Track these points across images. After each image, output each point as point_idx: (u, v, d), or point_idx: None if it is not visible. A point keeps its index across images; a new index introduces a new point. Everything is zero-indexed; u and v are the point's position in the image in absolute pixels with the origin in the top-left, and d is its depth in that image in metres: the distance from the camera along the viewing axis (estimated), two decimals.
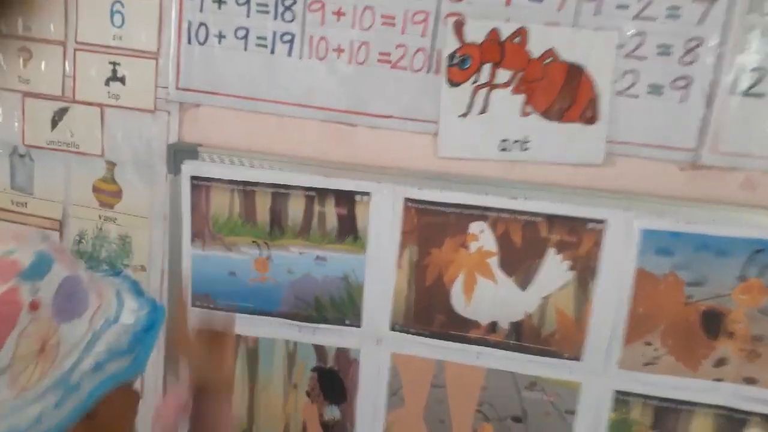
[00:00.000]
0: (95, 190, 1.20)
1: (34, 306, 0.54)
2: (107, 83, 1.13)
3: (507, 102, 1.02)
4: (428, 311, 1.10)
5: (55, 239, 0.63)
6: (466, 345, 1.09)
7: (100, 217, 1.20)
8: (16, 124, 1.19)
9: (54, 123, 1.18)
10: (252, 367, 1.19)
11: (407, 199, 1.07)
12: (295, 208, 1.11)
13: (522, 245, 1.05)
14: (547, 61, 1.00)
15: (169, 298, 1.19)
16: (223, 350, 0.84)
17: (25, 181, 1.22)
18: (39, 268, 0.56)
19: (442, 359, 1.11)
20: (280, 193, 1.11)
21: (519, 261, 1.05)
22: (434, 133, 1.05)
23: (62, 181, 1.21)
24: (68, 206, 1.22)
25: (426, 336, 1.11)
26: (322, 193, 1.09)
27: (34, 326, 0.54)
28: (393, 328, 1.12)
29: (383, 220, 1.08)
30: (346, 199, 1.09)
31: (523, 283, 1.06)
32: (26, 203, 1.23)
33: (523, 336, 1.08)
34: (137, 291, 0.67)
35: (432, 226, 1.07)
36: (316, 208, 1.10)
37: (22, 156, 1.21)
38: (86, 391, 0.58)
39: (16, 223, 1.23)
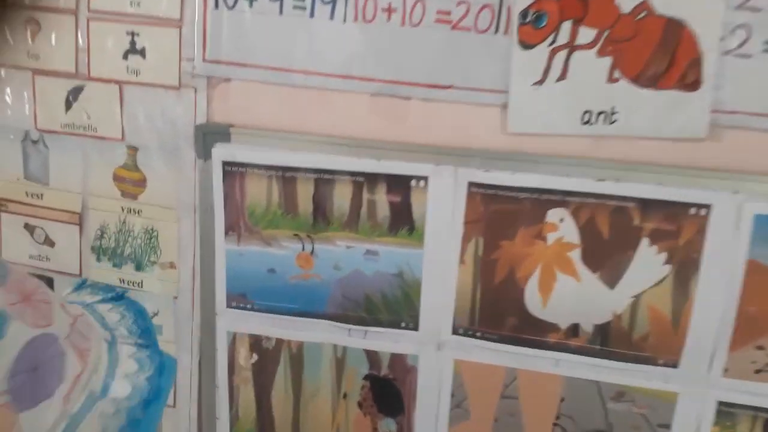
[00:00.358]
0: (116, 178, 1.07)
1: None
2: (125, 56, 1.00)
3: (591, 66, 0.86)
4: (497, 312, 0.95)
5: (17, 272, 0.39)
6: (543, 351, 0.95)
7: (122, 209, 1.08)
8: (27, 106, 1.07)
9: (68, 104, 1.05)
10: (296, 375, 1.06)
11: (471, 184, 0.91)
12: (342, 196, 0.97)
13: (610, 235, 0.89)
14: (640, 15, 0.84)
15: (204, 299, 1.07)
16: None
17: (40, 169, 1.10)
18: None
19: (514, 367, 0.97)
20: (324, 179, 0.96)
21: (606, 254, 0.90)
22: (503, 105, 0.90)
23: (80, 170, 1.08)
24: (87, 197, 1.09)
25: (495, 341, 0.96)
26: (373, 179, 0.95)
27: None
28: (456, 332, 0.98)
29: (443, 208, 0.93)
30: (400, 184, 0.94)
31: (611, 280, 0.91)
32: (42, 194, 1.11)
33: (609, 340, 0.92)
34: (143, 331, 0.49)
35: (502, 215, 0.91)
36: (366, 195, 0.96)
37: (35, 142, 1.09)
38: None
39: (31, 217, 1.12)
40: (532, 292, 0.93)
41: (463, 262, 0.95)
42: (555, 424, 0.98)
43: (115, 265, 1.10)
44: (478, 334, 0.97)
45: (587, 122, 0.88)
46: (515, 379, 0.98)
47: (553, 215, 0.90)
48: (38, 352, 0.41)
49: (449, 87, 0.91)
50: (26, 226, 1.13)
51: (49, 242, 1.13)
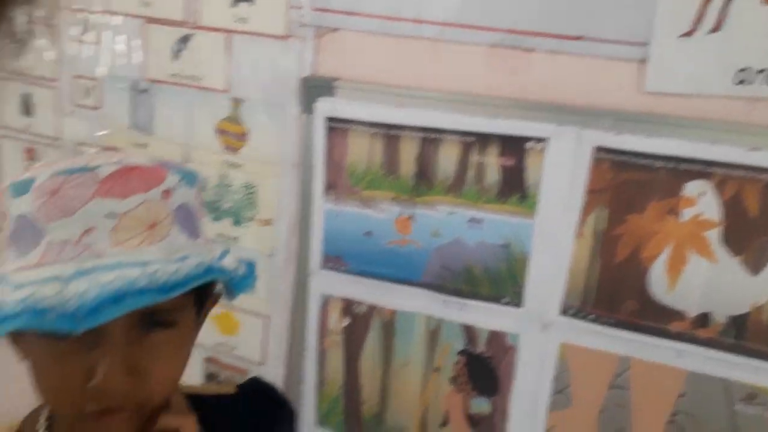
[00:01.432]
0: (219, 131, 1.05)
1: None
2: (234, 3, 0.97)
3: (753, 14, 0.73)
4: (615, 294, 0.85)
5: (81, 178, 0.50)
6: (664, 340, 0.84)
7: (223, 163, 1.06)
8: (137, 55, 1.07)
9: (176, 53, 1.04)
10: (387, 344, 1.01)
11: (598, 148, 0.82)
12: (448, 158, 0.90)
13: (758, 214, 0.77)
14: None
15: (299, 258, 1.03)
16: None
17: (146, 120, 1.10)
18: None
19: (628, 355, 0.87)
20: (431, 138, 0.90)
21: (751, 235, 0.78)
22: (641, 60, 0.79)
23: (184, 121, 1.07)
24: (190, 149, 1.08)
25: (609, 325, 0.86)
26: (484, 139, 0.87)
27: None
28: (564, 312, 0.89)
29: (562, 175, 0.84)
30: (515, 146, 0.86)
31: (755, 265, 0.78)
32: (146, 144, 1.11)
33: (746, 333, 0.80)
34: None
35: (631, 185, 0.81)
36: (474, 157, 0.88)
37: (143, 91, 1.09)
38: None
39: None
40: (658, 274, 0.82)
41: (581, 236, 0.85)
42: (670, 422, 0.87)
43: (214, 219, 1.09)
44: (591, 316, 0.87)
45: (742, 82, 0.75)
46: (628, 369, 0.87)
47: (692, 188, 0.79)
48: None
49: (579, 38, 0.81)
50: None
51: None
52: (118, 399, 0.49)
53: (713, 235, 0.79)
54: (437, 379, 0.99)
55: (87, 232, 0.48)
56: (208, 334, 1.16)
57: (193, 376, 1.21)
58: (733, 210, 0.78)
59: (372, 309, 1.00)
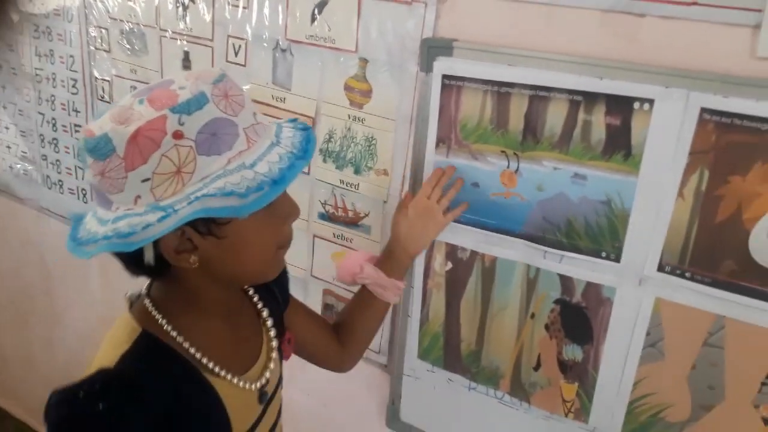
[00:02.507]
0: (347, 88, 1.18)
1: (177, 135, 0.62)
2: None
3: None
4: (714, 253, 0.88)
5: (230, 81, 0.69)
6: (762, 302, 0.86)
7: (349, 117, 1.20)
8: (281, 17, 1.22)
9: (314, 17, 1.18)
10: (486, 289, 1.11)
11: (705, 110, 0.85)
12: (555, 115, 0.96)
13: None
14: None
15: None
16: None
17: (285, 76, 1.26)
18: (189, 106, 0.64)
19: (724, 315, 0.90)
20: (540, 96, 0.96)
21: None
22: (755, 25, 0.80)
23: (317, 78, 1.22)
24: (321, 104, 1.23)
25: (706, 284, 0.90)
26: (591, 98, 0.92)
27: (175, 151, 0.63)
28: (662, 269, 0.93)
29: (668, 135, 0.88)
30: (622, 106, 0.90)
31: None
32: (284, 98, 1.27)
33: None
34: (305, 139, 0.72)
35: (736, 147, 0.84)
36: (581, 115, 0.94)
37: (283, 51, 1.24)
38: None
39: (273, 117, 1.29)
40: (759, 236, 0.85)
41: (682, 196, 0.89)
42: (764, 384, 0.89)
43: (337, 167, 1.24)
44: (688, 274, 0.91)
45: None
46: (723, 328, 0.91)
47: None
48: (220, 127, 0.65)
49: (693, 3, 0.84)
50: None
51: None
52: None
53: None
54: (532, 325, 1.08)
55: (254, 114, 0.70)
56: (329, 270, 1.32)
57: (314, 306, 1.39)
58: None
59: (474, 255, 1.10)
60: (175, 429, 0.70)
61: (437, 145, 1.09)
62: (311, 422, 1.50)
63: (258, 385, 0.82)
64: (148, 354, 0.72)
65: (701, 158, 0.86)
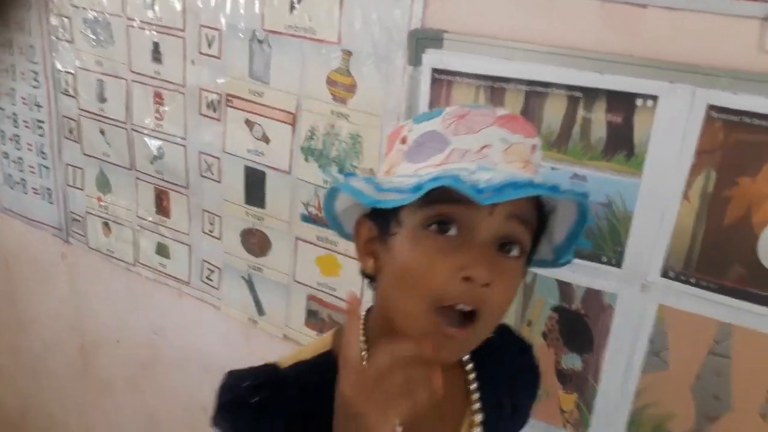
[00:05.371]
0: (329, 82, 1.15)
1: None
2: None
3: None
4: (721, 259, 0.87)
5: (486, 111, 0.65)
6: None
7: (332, 113, 1.16)
8: (257, 5, 1.18)
9: (292, 5, 1.13)
10: None
11: (711, 107, 0.83)
12: (553, 112, 0.94)
13: None
14: None
15: None
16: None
17: (263, 69, 1.22)
18: (423, 117, 0.67)
19: (731, 322, 0.89)
20: (537, 92, 0.94)
21: None
22: (763, 17, 0.78)
23: (297, 71, 1.18)
24: (302, 99, 1.19)
25: (712, 290, 0.88)
26: (592, 94, 0.90)
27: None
28: (666, 275, 0.92)
29: (672, 134, 0.86)
30: (623, 102, 0.88)
31: None
32: (262, 93, 1.23)
33: None
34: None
35: (745, 147, 0.82)
36: (581, 112, 0.92)
37: (260, 42, 1.20)
38: None
39: (251, 113, 1.25)
40: None
41: (687, 198, 0.87)
42: None
43: (320, 166, 1.20)
44: (693, 280, 0.90)
45: None
46: (729, 336, 0.89)
47: None
48: (429, 139, 0.64)
49: None
50: (247, 121, 1.27)
51: (265, 138, 1.26)
52: (477, 296, 0.59)
53: None
54: (529, 333, 1.05)
55: (485, 147, 0.61)
56: (313, 274, 1.29)
57: (297, 313, 1.36)
58: None
59: None
60: None
61: None
62: None
63: None
64: (319, 374, 0.66)
65: (708, 158, 0.85)
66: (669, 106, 0.85)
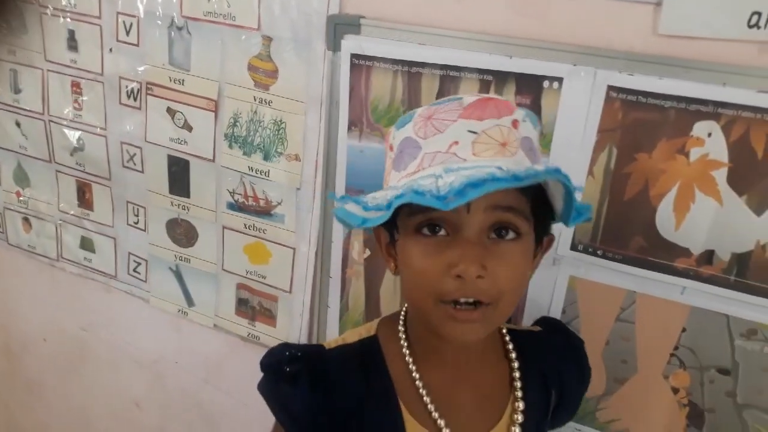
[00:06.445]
0: (251, 68, 1.15)
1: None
2: None
3: None
4: (623, 231, 0.93)
5: (454, 104, 0.67)
6: (669, 276, 0.92)
7: (255, 99, 1.16)
8: None
9: None
10: None
11: (611, 88, 0.88)
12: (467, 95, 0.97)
13: (764, 156, 0.83)
14: None
15: (324, 192, 1.14)
16: None
17: (183, 56, 1.21)
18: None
19: (635, 290, 0.95)
20: (450, 75, 0.97)
21: (757, 176, 0.84)
22: (656, 2, 0.84)
23: (218, 58, 1.17)
24: (223, 85, 1.19)
25: (617, 260, 0.95)
26: (501, 77, 0.94)
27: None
28: (575, 248, 0.97)
29: (576, 114, 0.91)
30: (531, 85, 0.93)
31: (759, 206, 0.85)
32: (183, 80, 1.22)
33: (748, 272, 0.88)
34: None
35: (642, 125, 0.88)
36: (492, 95, 0.96)
37: (179, 29, 1.19)
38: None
39: (173, 101, 1.24)
40: (665, 212, 0.90)
41: (592, 174, 0.93)
42: (672, 355, 0.96)
43: (245, 153, 1.21)
44: (599, 252, 0.96)
45: (755, 25, 0.80)
46: (633, 303, 0.96)
47: (701, 128, 0.85)
48: (406, 145, 0.67)
49: None
50: (168, 110, 1.26)
51: (187, 127, 1.25)
52: (472, 290, 0.63)
53: (721, 175, 0.86)
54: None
55: (453, 144, 0.63)
56: (242, 262, 1.29)
57: (227, 302, 1.36)
58: (739, 151, 0.84)
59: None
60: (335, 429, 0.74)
61: (349, 129, 1.08)
62: (231, 422, 1.48)
63: None
64: (359, 357, 0.76)
65: (609, 136, 0.90)
66: (573, 87, 0.90)
